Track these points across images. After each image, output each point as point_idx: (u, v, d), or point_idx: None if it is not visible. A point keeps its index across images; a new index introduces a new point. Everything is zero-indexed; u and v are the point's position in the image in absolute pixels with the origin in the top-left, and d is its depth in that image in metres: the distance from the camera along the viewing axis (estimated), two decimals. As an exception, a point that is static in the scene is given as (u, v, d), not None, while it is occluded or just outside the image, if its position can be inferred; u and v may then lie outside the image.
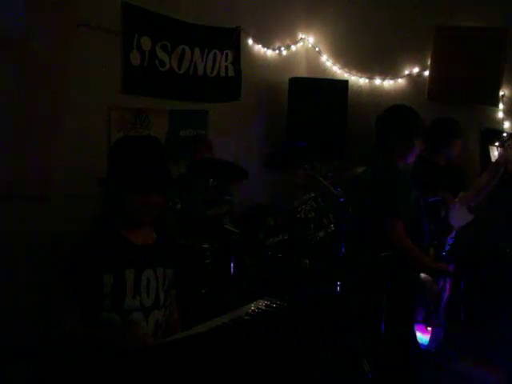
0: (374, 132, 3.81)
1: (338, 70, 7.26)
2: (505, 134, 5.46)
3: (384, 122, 3.77)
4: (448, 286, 4.95)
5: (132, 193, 2.52)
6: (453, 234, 4.16)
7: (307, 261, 4.87)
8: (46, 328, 2.58)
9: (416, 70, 6.61)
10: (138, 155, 2.57)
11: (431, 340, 3.84)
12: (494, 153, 5.57)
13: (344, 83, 6.98)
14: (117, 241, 2.58)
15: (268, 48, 7.08)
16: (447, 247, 4.06)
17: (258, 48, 6.99)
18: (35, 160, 4.93)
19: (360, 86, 7.08)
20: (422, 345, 3.55)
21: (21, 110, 4.81)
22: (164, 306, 2.69)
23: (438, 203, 4.65)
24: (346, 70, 7.18)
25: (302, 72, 7.42)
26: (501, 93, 6.01)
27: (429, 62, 6.45)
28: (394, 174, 3.62)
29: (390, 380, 3.42)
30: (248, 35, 6.81)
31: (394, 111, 3.81)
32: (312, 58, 7.49)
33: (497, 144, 4.99)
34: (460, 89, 6.22)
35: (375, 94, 6.92)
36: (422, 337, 3.51)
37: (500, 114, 6.05)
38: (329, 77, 7.24)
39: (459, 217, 4.24)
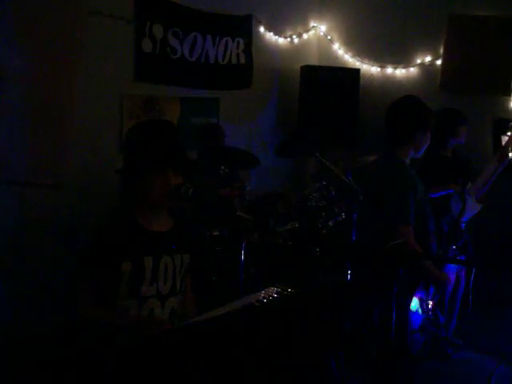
0: (385, 123, 3.75)
1: (349, 59, 7.23)
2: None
3: (401, 114, 3.70)
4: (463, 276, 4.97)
5: (152, 174, 2.53)
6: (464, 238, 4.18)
7: (318, 249, 4.88)
8: (64, 313, 2.62)
9: (428, 58, 6.57)
10: (155, 135, 2.60)
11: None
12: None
13: (356, 72, 6.97)
14: (135, 228, 2.59)
15: (280, 36, 7.06)
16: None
17: (270, 36, 6.97)
18: (48, 148, 4.96)
19: (372, 75, 7.05)
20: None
21: (33, 99, 4.83)
22: (180, 292, 2.70)
23: (447, 197, 4.64)
24: (358, 59, 7.15)
25: (313, 60, 7.40)
26: (514, 82, 5.97)
27: (441, 51, 6.42)
28: (403, 175, 3.58)
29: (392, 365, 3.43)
30: (260, 23, 6.79)
31: (409, 102, 3.75)
32: (324, 46, 7.46)
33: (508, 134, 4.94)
34: (473, 78, 6.18)
35: (387, 83, 6.89)
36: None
37: (513, 104, 6.02)
38: (340, 65, 7.21)
39: (468, 208, 4.24)
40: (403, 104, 3.72)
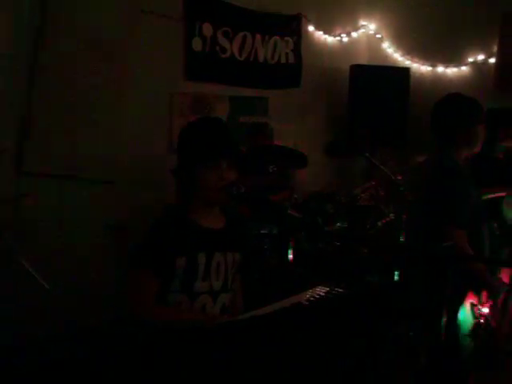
0: (431, 125, 3.71)
1: (399, 57, 7.16)
2: None
3: (441, 114, 3.65)
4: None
5: (207, 168, 2.54)
6: None
7: (366, 249, 4.85)
8: (119, 313, 2.60)
9: (481, 57, 6.45)
10: (208, 130, 2.62)
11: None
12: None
13: (406, 71, 6.89)
14: (189, 225, 2.60)
15: (329, 35, 7.04)
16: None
17: (319, 35, 6.95)
18: (100, 144, 5.05)
19: (422, 74, 6.96)
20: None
21: (86, 96, 4.93)
22: (231, 289, 2.72)
23: (497, 200, 4.56)
24: (408, 57, 7.07)
25: (362, 59, 7.34)
26: None
27: (494, 49, 6.29)
28: (454, 176, 3.51)
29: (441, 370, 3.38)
30: (309, 22, 6.79)
31: (448, 102, 3.70)
32: (373, 44, 7.41)
33: None
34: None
35: (438, 82, 6.79)
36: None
37: None
38: (390, 64, 7.15)
39: None
40: (443, 104, 3.68)
